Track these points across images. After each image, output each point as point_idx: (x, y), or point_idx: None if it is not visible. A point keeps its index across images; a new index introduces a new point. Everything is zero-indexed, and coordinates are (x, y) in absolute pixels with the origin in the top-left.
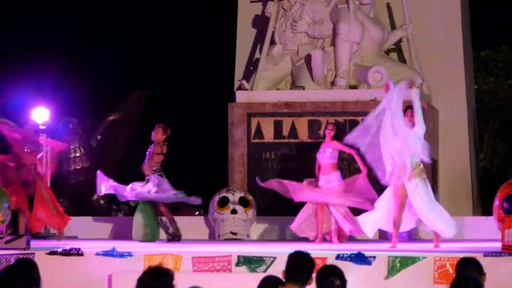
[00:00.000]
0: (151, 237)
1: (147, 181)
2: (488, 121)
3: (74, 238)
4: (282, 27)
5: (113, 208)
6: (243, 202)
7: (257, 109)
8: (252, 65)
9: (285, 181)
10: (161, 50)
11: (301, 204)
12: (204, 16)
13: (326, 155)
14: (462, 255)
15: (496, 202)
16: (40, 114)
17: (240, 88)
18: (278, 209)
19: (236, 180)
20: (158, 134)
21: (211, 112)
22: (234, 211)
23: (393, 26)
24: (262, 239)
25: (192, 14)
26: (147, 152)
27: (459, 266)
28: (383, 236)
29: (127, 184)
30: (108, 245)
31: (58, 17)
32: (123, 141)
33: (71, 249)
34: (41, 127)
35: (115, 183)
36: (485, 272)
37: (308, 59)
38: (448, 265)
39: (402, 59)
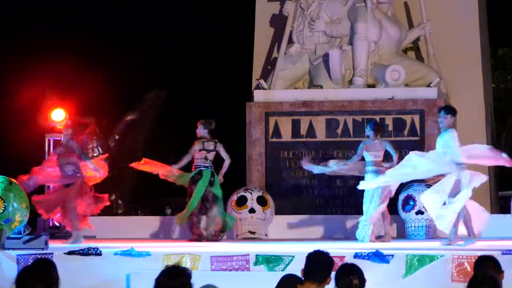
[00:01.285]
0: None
1: None
2: (505, 119)
3: (93, 237)
4: (299, 26)
5: (133, 208)
6: (261, 201)
7: (275, 108)
8: (269, 64)
9: None
10: (178, 50)
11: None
12: (222, 15)
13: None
14: (480, 253)
15: None
16: (58, 115)
17: (258, 87)
18: (296, 208)
19: (254, 179)
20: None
21: (229, 111)
22: (252, 210)
23: (410, 25)
24: (280, 238)
25: (210, 13)
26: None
27: (477, 265)
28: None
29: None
30: (127, 244)
31: (75, 17)
32: (140, 141)
33: (89, 249)
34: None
35: None
36: (503, 270)
37: (326, 58)
38: (466, 263)
39: (419, 58)
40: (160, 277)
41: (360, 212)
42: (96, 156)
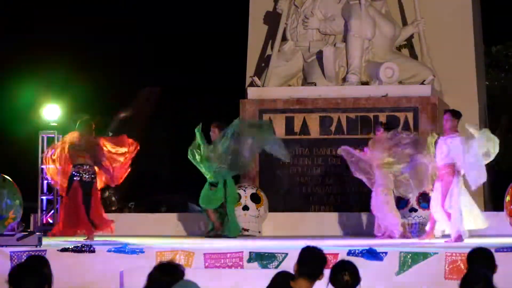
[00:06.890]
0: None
1: None
2: (499, 117)
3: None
4: (293, 24)
5: (129, 205)
6: (254, 198)
7: (268, 106)
8: (263, 62)
9: None
10: (172, 47)
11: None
12: (216, 12)
13: None
14: None
15: (507, 198)
16: (52, 111)
17: (252, 84)
18: (289, 206)
19: (248, 177)
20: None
21: (223, 108)
22: (245, 208)
23: (404, 22)
24: (274, 235)
25: (204, 10)
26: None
27: (471, 259)
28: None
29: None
30: (120, 241)
31: (71, 13)
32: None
33: (82, 246)
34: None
35: None
36: (497, 264)
37: (319, 55)
38: (459, 261)
39: (413, 55)
40: (153, 272)
41: (351, 209)
42: None
